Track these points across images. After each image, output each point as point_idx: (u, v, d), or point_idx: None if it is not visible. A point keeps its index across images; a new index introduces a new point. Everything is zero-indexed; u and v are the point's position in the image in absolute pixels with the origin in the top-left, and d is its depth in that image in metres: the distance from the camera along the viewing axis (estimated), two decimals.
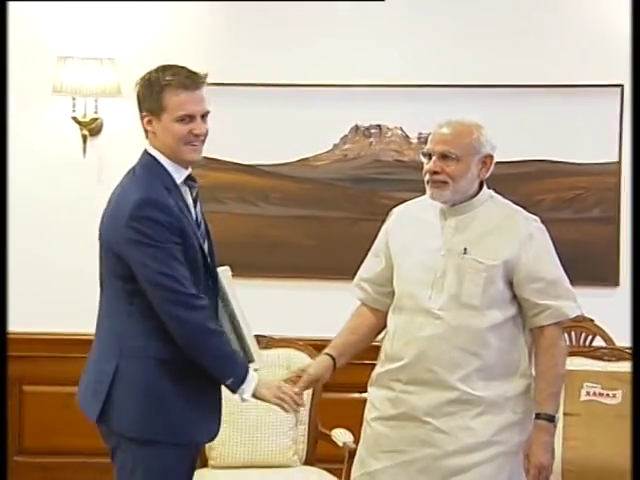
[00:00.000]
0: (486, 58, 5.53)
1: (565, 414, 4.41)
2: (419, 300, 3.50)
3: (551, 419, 3.48)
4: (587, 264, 5.46)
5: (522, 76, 5.44)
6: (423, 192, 3.56)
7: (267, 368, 4.53)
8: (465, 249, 3.48)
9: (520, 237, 3.49)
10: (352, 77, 5.43)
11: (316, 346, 4.22)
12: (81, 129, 5.63)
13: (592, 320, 5.26)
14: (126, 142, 5.33)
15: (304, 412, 4.65)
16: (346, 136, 5.57)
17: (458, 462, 3.44)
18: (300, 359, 4.66)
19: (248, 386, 3.24)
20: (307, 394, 4.42)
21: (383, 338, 3.74)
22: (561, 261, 4.82)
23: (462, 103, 5.47)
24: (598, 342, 5.25)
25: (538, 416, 3.47)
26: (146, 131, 3.28)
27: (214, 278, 3.38)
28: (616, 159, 5.42)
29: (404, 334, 3.53)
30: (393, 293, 3.62)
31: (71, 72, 5.47)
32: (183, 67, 3.36)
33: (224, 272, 3.46)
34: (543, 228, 3.57)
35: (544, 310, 3.47)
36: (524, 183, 5.48)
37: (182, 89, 3.23)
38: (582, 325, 5.30)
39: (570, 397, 4.45)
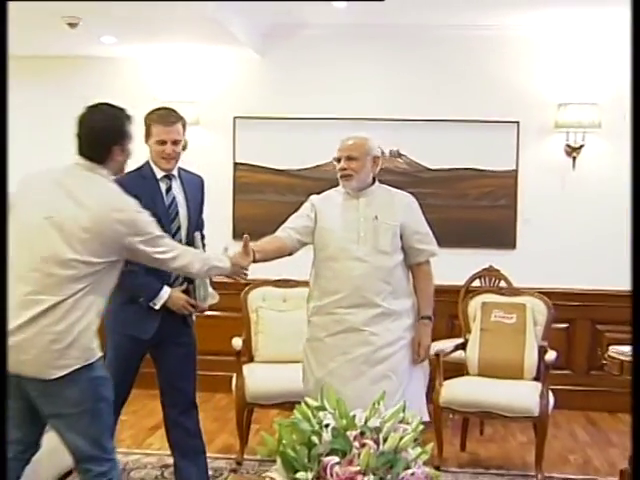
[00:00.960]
0: (437, 101, 7.13)
1: (481, 329, 5.75)
2: (350, 252, 4.41)
3: (430, 318, 4.54)
4: (496, 234, 7.09)
5: (461, 113, 7.05)
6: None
7: (294, 299, 5.85)
8: (376, 216, 4.43)
9: (405, 206, 4.53)
10: (348, 112, 6.99)
11: None
12: None
13: (498, 270, 6.87)
14: (202, 154, 7.11)
15: None
16: None
17: (385, 352, 4.38)
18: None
19: (158, 301, 4.31)
20: None
21: (312, 283, 4.60)
22: (479, 232, 6.57)
23: (417, 131, 7.07)
24: (502, 284, 6.74)
25: (423, 317, 4.53)
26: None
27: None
28: (514, 167, 7.04)
29: (341, 275, 4.41)
30: (302, 242, 4.51)
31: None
32: (167, 108, 4.52)
33: (196, 236, 4.44)
34: (415, 200, 4.59)
35: (422, 252, 4.53)
36: (459, 182, 7.12)
37: (161, 124, 4.37)
38: (492, 274, 6.89)
39: (484, 319, 5.79)
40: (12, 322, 3.39)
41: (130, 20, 6.14)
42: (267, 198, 7.29)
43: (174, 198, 4.45)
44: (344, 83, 7.26)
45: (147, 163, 4.49)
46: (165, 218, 4.33)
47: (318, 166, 7.21)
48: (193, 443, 4.66)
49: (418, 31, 7.17)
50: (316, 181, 7.05)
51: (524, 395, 5.36)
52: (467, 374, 5.71)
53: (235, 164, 7.43)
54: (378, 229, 4.44)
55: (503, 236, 7.14)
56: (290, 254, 4.51)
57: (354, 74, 7.28)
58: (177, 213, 4.46)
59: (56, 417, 3.57)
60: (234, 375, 5.59)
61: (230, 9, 6.14)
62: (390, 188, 4.64)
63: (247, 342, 5.84)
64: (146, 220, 3.62)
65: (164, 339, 4.44)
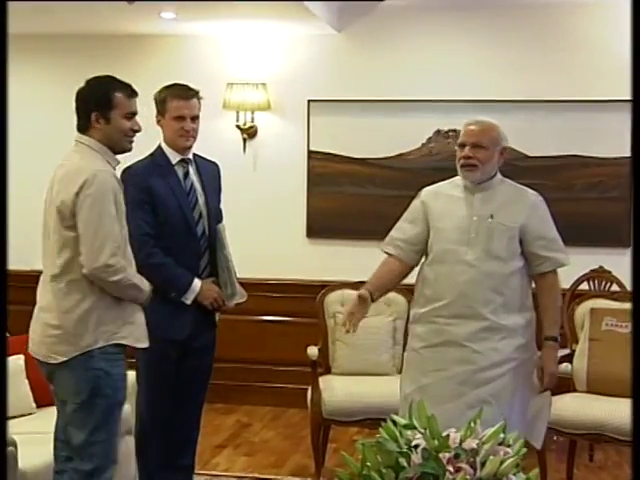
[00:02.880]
0: (536, 80, 7.03)
1: (590, 339, 5.63)
2: (458, 254, 4.28)
3: (556, 340, 4.40)
4: (607, 231, 6.91)
5: (565, 92, 6.95)
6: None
7: (377, 303, 5.18)
8: (492, 215, 4.29)
9: (528, 207, 4.37)
10: (435, 94, 7.02)
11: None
12: (242, 134, 7.36)
13: (610, 272, 6.66)
14: (273, 142, 7.36)
15: (399, 335, 5.80)
16: (431, 137, 7.10)
17: (488, 374, 4.25)
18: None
19: (190, 295, 4.47)
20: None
21: (417, 286, 4.48)
22: (587, 228, 6.36)
23: (514, 113, 6.90)
24: (614, 288, 6.58)
25: (547, 338, 4.38)
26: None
27: (193, 233, 4.50)
28: (628, 154, 6.47)
29: (446, 280, 4.31)
30: (422, 251, 4.44)
31: (235, 94, 7.21)
32: (182, 83, 4.62)
33: (220, 228, 4.60)
34: (543, 200, 4.46)
35: (546, 260, 4.36)
36: (563, 171, 7.00)
37: (179, 98, 4.49)
38: (603, 275, 6.72)
39: (594, 327, 5.66)
40: None
41: None
42: (344, 190, 7.27)
43: (192, 184, 4.58)
44: (431, 61, 7.25)
45: (159, 148, 4.61)
46: (186, 207, 4.50)
47: (401, 154, 7.21)
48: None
49: (511, 1, 7.03)
50: (399, 171, 7.12)
51: None
52: (574, 390, 5.61)
53: (309, 153, 7.42)
54: (493, 230, 4.30)
55: (615, 233, 6.93)
56: (412, 270, 4.49)
57: (442, 51, 7.25)
58: (197, 201, 4.58)
59: (61, 404, 3.92)
60: (309, 388, 5.59)
61: None
62: (516, 184, 4.50)
63: (324, 351, 5.86)
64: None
65: (189, 341, 4.54)
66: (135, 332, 3.88)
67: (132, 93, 4.02)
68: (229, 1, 6.22)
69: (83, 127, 3.92)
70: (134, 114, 3.99)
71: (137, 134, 4.02)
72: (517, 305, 4.34)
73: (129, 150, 4.04)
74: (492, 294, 4.27)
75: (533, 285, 4.47)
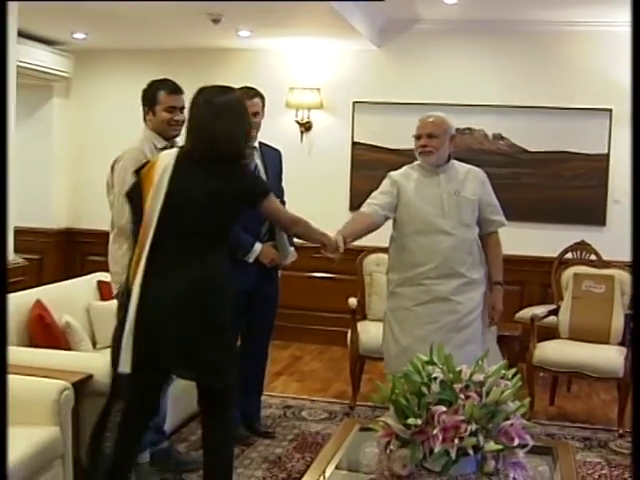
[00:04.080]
0: (535, 90, 7.00)
1: (573, 297, 5.71)
2: (436, 225, 4.25)
3: (501, 284, 4.41)
4: (587, 212, 6.93)
5: (558, 101, 6.92)
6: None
7: None
8: (457, 191, 4.29)
9: (480, 181, 4.39)
10: (454, 99, 6.91)
11: None
12: (300, 127, 7.43)
13: (589, 245, 6.67)
14: (325, 134, 7.41)
15: None
16: None
17: (468, 319, 4.27)
18: None
19: (252, 255, 4.48)
20: None
21: (393, 256, 4.42)
22: (572, 210, 6.46)
23: (517, 116, 6.98)
24: (592, 257, 6.56)
25: (496, 283, 4.39)
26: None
27: None
28: (606, 151, 6.86)
29: (429, 248, 4.25)
30: (387, 217, 4.33)
31: (295, 96, 7.30)
32: (250, 87, 4.53)
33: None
34: (485, 174, 4.44)
35: (494, 222, 4.40)
36: (554, 163, 6.99)
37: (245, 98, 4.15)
38: (584, 248, 6.68)
39: (576, 288, 5.73)
40: None
41: (265, 16, 6.19)
42: (380, 174, 6.45)
43: (256, 166, 4.55)
44: (452, 72, 7.23)
45: None
46: None
47: None
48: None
49: (518, 26, 7.03)
50: None
51: (610, 358, 5.30)
52: (558, 337, 5.66)
53: (353, 143, 7.44)
54: (461, 203, 4.30)
55: (594, 214, 6.97)
56: (376, 229, 4.34)
57: (461, 64, 7.24)
58: None
59: None
60: (349, 331, 5.64)
61: (353, 6, 6.14)
62: (462, 164, 4.48)
63: (361, 302, 5.87)
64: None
65: (255, 290, 4.56)
66: None
67: (174, 91, 4.02)
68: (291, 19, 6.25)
69: (143, 119, 4.07)
70: (174, 108, 4.01)
71: None
72: (479, 261, 4.37)
73: (175, 137, 4.05)
74: (466, 255, 4.29)
75: None
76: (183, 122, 3.86)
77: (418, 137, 4.39)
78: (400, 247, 4.38)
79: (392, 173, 4.50)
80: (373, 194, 4.43)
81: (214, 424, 3.52)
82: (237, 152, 3.45)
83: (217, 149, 3.35)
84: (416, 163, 4.46)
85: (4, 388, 2.88)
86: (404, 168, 4.51)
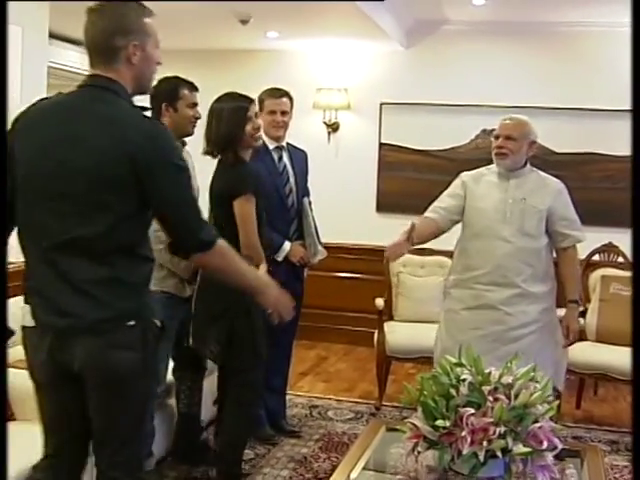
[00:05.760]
0: (562, 91, 6.94)
1: (600, 300, 5.66)
2: (496, 231, 4.12)
3: (577, 302, 4.24)
4: (615, 214, 6.80)
5: (586, 102, 6.85)
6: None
7: (431, 266, 5.91)
8: (524, 199, 4.15)
9: (554, 192, 4.22)
10: (481, 100, 6.98)
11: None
12: (327, 128, 7.44)
13: (617, 247, 6.42)
14: (352, 135, 7.41)
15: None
16: (478, 135, 7.07)
17: (517, 333, 4.10)
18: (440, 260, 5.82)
19: (281, 253, 4.50)
20: None
21: (455, 257, 4.32)
22: (600, 211, 6.36)
23: (545, 118, 6.61)
24: (620, 260, 6.29)
25: (570, 301, 4.21)
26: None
27: (285, 204, 4.50)
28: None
29: (485, 252, 4.14)
30: (455, 221, 4.25)
31: (323, 97, 7.29)
32: (276, 87, 4.64)
33: (305, 202, 4.57)
34: (565, 187, 4.29)
35: (568, 237, 4.21)
36: (582, 165, 6.97)
37: (271, 97, 4.56)
38: (612, 249, 6.44)
39: (603, 290, 5.69)
40: None
41: (293, 17, 6.20)
42: (407, 175, 7.24)
43: (285, 166, 4.59)
44: (479, 73, 7.20)
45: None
46: (280, 183, 4.52)
47: (453, 148, 7.18)
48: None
49: (546, 27, 6.99)
50: (451, 161, 7.02)
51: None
52: (586, 339, 5.57)
53: (380, 144, 7.42)
54: (525, 211, 4.14)
55: (622, 216, 6.56)
56: (444, 233, 4.27)
57: (488, 66, 7.20)
58: (288, 179, 4.59)
59: None
60: (376, 331, 5.62)
61: (381, 7, 6.11)
62: (542, 173, 4.32)
63: (388, 302, 5.86)
64: None
65: (282, 288, 4.50)
66: None
67: (195, 88, 3.95)
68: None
69: (156, 116, 3.77)
70: (195, 104, 3.93)
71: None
72: (542, 275, 4.19)
73: (191, 134, 3.96)
74: (523, 266, 4.12)
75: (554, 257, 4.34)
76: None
77: (496, 137, 4.23)
78: (461, 249, 4.29)
79: (463, 174, 4.38)
80: (441, 197, 4.33)
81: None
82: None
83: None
84: (492, 165, 4.31)
85: (4, 387, 2.84)
86: (480, 169, 4.36)
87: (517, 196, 4.16)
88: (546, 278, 4.22)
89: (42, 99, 2.61)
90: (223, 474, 4.00)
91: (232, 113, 3.82)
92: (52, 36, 5.99)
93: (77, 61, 7.32)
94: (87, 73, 2.57)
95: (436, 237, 4.23)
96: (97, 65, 2.52)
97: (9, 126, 2.56)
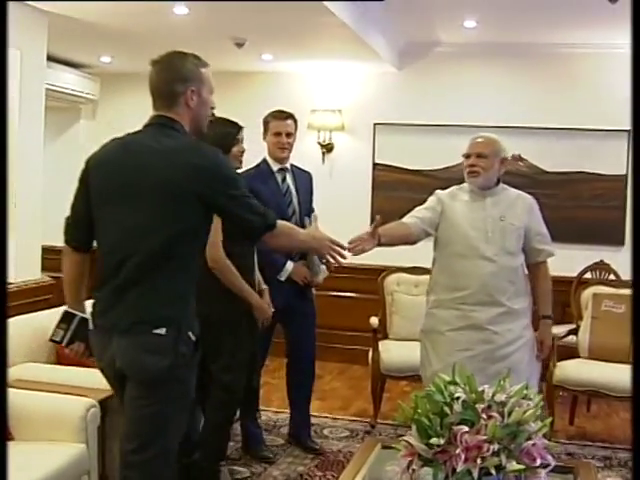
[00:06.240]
0: (553, 112, 6.98)
1: (592, 317, 5.60)
2: (479, 250, 4.04)
3: (551, 317, 4.25)
4: (607, 232, 6.89)
5: (576, 122, 6.90)
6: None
7: (425, 285, 5.06)
8: (503, 217, 4.08)
9: (528, 208, 4.17)
10: (473, 120, 6.83)
11: None
12: (322, 149, 7.48)
13: (608, 264, 6.70)
14: (346, 155, 7.44)
15: None
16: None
17: (505, 351, 4.04)
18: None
19: (284, 274, 4.55)
20: None
21: (434, 277, 4.20)
22: (591, 230, 6.43)
23: (536, 138, 6.96)
24: (612, 277, 6.57)
25: (544, 317, 4.23)
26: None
27: None
28: (624, 172, 6.80)
29: (470, 272, 4.04)
30: (427, 233, 4.11)
31: (317, 118, 7.33)
32: (282, 110, 4.70)
33: (306, 220, 4.24)
34: (536, 202, 4.22)
35: (542, 252, 4.18)
36: (573, 184, 7.00)
37: (276, 119, 4.63)
38: (603, 267, 6.73)
39: (595, 308, 5.63)
40: None
41: (287, 40, 6.24)
42: (401, 195, 7.23)
43: (288, 187, 4.63)
44: (471, 94, 7.24)
45: (264, 160, 4.64)
46: (283, 204, 4.53)
47: (447, 167, 7.15)
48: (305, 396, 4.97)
49: (537, 49, 7.06)
50: (445, 181, 6.50)
51: (630, 377, 5.16)
52: (578, 357, 5.59)
53: (374, 164, 7.47)
54: (505, 230, 4.08)
55: (613, 234, 6.93)
56: (414, 243, 4.11)
57: (479, 86, 7.25)
58: (291, 200, 4.63)
59: None
60: (370, 349, 5.62)
61: (374, 29, 6.17)
62: (512, 189, 4.25)
63: (383, 321, 5.87)
64: None
65: (291, 309, 4.60)
66: None
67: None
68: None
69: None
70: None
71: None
72: (523, 291, 4.16)
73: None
74: (507, 284, 4.07)
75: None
76: None
77: (467, 156, 4.16)
78: (441, 268, 4.19)
79: (439, 191, 4.29)
80: (417, 208, 4.23)
81: None
82: None
83: None
84: (464, 184, 4.23)
85: (4, 387, 2.95)
86: (452, 188, 4.29)
87: (495, 214, 4.12)
88: (525, 294, 4.20)
89: (113, 139, 2.91)
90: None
91: (220, 139, 3.81)
92: (50, 59, 6.02)
93: (74, 83, 7.48)
94: (151, 114, 2.92)
95: (405, 243, 4.11)
96: (160, 108, 2.87)
97: (83, 165, 2.89)
